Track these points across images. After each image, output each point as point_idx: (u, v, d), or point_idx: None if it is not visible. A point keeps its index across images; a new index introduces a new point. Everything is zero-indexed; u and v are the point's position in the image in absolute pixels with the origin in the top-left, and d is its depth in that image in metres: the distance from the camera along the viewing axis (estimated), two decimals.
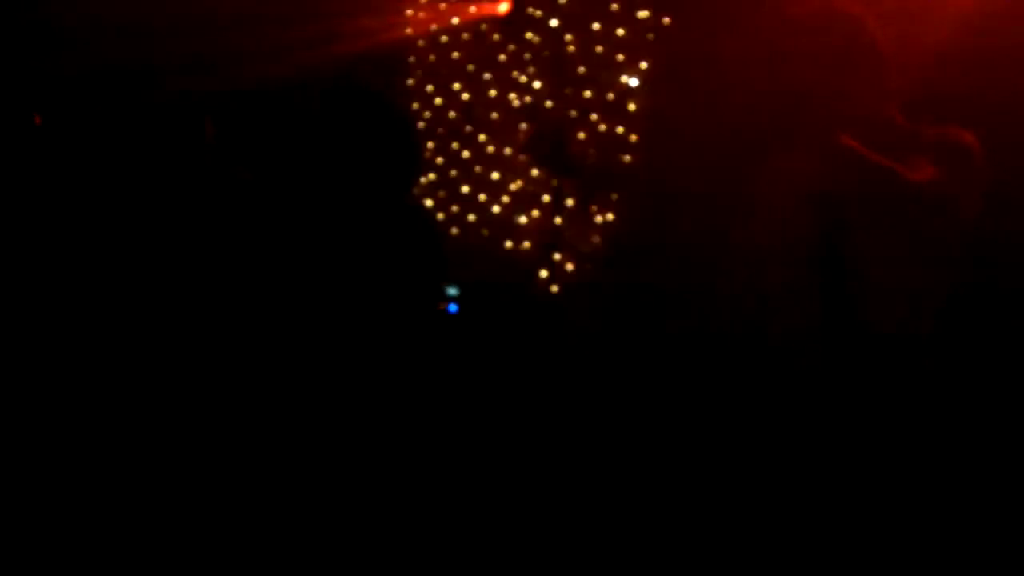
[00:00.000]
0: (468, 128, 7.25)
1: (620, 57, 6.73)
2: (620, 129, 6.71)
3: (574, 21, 6.86)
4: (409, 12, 7.34)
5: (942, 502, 4.14)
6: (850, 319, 3.59)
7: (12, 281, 5.24)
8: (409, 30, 7.39)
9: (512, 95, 7.11)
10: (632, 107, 6.67)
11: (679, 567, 3.82)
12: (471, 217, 7.23)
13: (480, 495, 4.39)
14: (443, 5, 7.26)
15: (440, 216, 7.29)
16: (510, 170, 7.14)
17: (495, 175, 7.18)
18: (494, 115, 7.19)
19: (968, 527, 4.02)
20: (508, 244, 7.08)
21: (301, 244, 3.90)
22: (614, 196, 6.60)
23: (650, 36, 6.65)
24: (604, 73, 6.76)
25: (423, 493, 3.88)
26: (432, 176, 7.34)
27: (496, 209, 7.16)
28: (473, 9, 7.19)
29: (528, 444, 4.77)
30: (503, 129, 7.18)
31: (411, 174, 3.83)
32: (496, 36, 7.15)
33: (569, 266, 6.61)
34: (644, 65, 6.67)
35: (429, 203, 7.30)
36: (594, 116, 6.76)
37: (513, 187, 7.12)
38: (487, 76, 7.19)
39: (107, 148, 5.86)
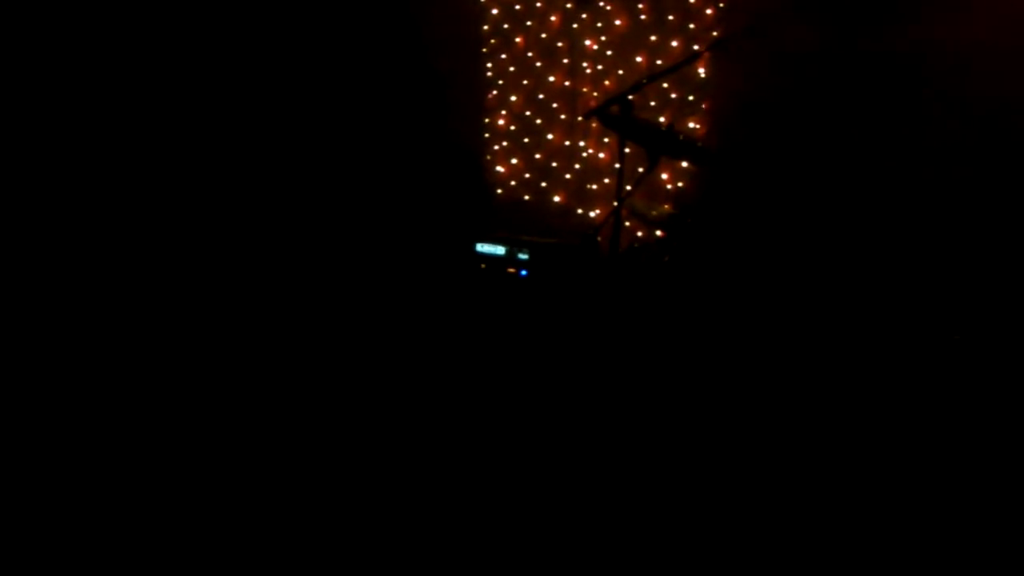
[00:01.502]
0: (541, 96, 7.34)
1: (692, 26, 6.78)
2: (691, 97, 6.77)
3: None
4: None
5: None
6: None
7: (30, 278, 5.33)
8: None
9: (584, 63, 7.18)
10: (703, 74, 6.72)
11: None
12: (543, 183, 7.34)
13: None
14: None
15: (512, 183, 7.41)
16: (581, 137, 7.23)
17: (567, 142, 7.28)
18: (567, 83, 7.28)
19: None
20: (579, 210, 7.18)
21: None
22: (684, 164, 6.67)
23: (721, 5, 6.69)
24: (676, 42, 6.81)
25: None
26: (505, 143, 7.45)
27: (568, 176, 7.26)
28: None
29: (583, 411, 4.82)
30: (575, 97, 7.26)
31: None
32: (570, 4, 7.22)
33: (639, 233, 6.70)
34: (715, 34, 6.72)
35: (501, 169, 7.42)
36: (665, 84, 6.82)
37: (585, 154, 7.21)
38: (560, 44, 7.27)
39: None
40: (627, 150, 5.11)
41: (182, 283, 5.18)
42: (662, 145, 4.99)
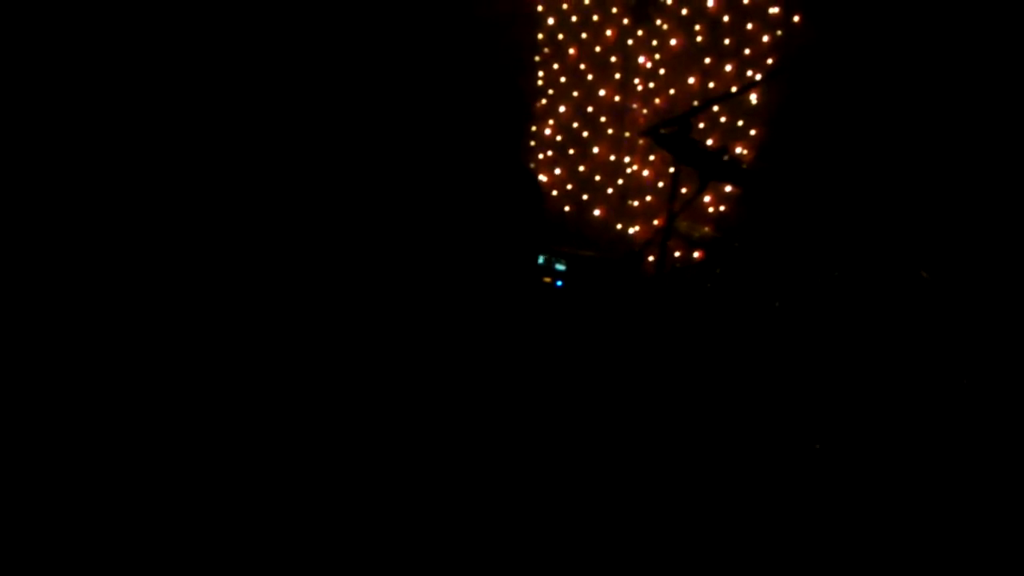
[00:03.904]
0: (589, 108, 7.35)
1: (747, 51, 6.79)
2: (740, 122, 6.78)
3: (704, 11, 6.92)
4: None
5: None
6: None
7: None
8: (540, 7, 7.50)
9: (636, 79, 7.20)
10: (754, 101, 6.73)
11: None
12: (585, 196, 7.36)
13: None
14: None
15: (555, 193, 7.43)
16: (627, 153, 7.25)
17: (612, 157, 7.29)
18: (616, 98, 7.29)
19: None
20: (619, 226, 7.20)
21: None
22: (728, 188, 6.69)
23: (779, 33, 6.69)
24: (730, 66, 6.82)
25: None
26: (550, 153, 7.48)
27: (610, 191, 7.27)
28: None
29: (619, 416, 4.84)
30: (623, 112, 7.27)
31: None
32: (626, 20, 7.23)
33: (677, 252, 6.72)
34: (770, 61, 6.72)
35: (544, 179, 7.44)
36: (716, 107, 6.83)
37: (629, 170, 7.22)
38: (613, 59, 7.29)
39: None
40: (671, 169, 5.14)
41: (222, 284, 5.19)
42: (714, 169, 5.00)
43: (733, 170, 5.06)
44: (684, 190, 6.88)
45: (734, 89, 6.37)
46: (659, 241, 4.90)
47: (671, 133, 4.85)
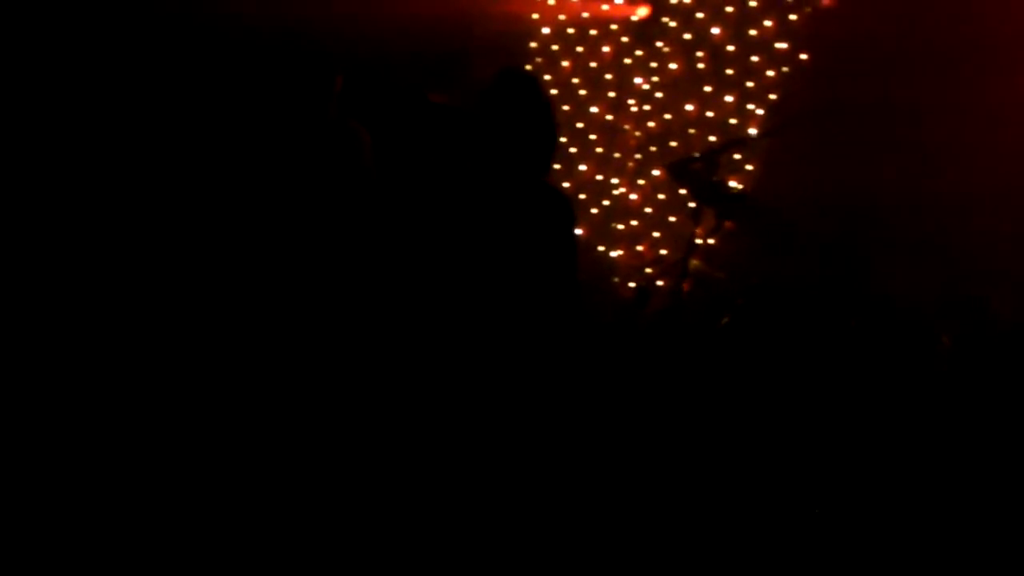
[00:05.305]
0: (579, 124, 7.16)
1: (750, 84, 6.66)
2: (737, 156, 6.65)
3: (709, 38, 6.78)
4: None
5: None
6: None
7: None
8: (535, 15, 7.30)
9: (631, 100, 7.03)
10: (754, 133, 6.60)
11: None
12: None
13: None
14: None
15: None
16: (615, 174, 7.08)
17: (599, 176, 7.12)
18: (608, 117, 7.12)
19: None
20: (600, 247, 7.03)
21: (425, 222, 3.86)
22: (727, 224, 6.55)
23: (784, 69, 6.58)
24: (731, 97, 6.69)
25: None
26: None
27: (594, 211, 7.10)
28: (606, 7, 7.11)
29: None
30: (615, 133, 7.10)
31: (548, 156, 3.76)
32: (625, 39, 7.07)
33: (659, 282, 6.57)
34: (773, 96, 6.61)
35: None
36: (712, 138, 6.69)
37: (616, 192, 7.06)
38: (608, 76, 7.11)
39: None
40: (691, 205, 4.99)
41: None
42: (733, 211, 4.86)
43: (752, 214, 4.92)
44: (672, 219, 6.81)
45: (753, 131, 6.25)
46: (674, 275, 4.72)
47: (697, 170, 4.70)
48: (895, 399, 4.54)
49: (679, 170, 4.83)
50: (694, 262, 5.49)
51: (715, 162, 4.72)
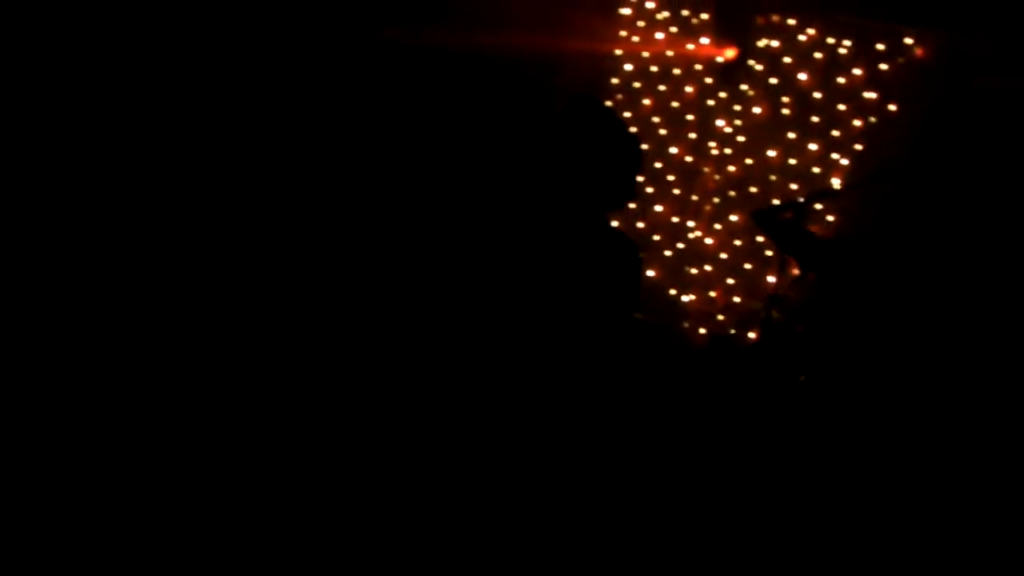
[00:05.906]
0: (657, 164, 7.04)
1: (836, 133, 6.51)
2: (819, 206, 6.49)
3: (795, 83, 6.64)
4: (623, 33, 7.13)
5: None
6: None
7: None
8: (618, 51, 7.20)
9: (712, 143, 6.90)
10: (836, 184, 6.44)
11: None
12: (640, 254, 7.03)
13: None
14: (661, 35, 7.04)
15: None
16: (692, 216, 6.94)
17: (675, 218, 6.98)
18: (688, 158, 6.99)
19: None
20: (672, 291, 6.89)
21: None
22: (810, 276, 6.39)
23: (872, 120, 6.42)
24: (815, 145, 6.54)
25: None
26: None
27: (668, 253, 6.96)
28: (692, 47, 6.99)
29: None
30: (694, 175, 6.97)
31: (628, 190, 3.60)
32: (709, 80, 6.94)
33: (732, 330, 6.42)
34: (859, 147, 6.45)
35: None
36: (794, 186, 6.55)
37: (691, 235, 6.92)
38: (690, 117, 6.99)
39: None
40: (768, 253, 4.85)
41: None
42: (821, 263, 4.70)
43: (843, 267, 4.77)
44: (749, 265, 6.66)
45: (837, 183, 6.11)
46: (750, 325, 4.58)
47: (787, 219, 4.56)
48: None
49: (765, 218, 4.68)
50: (774, 313, 5.34)
51: (805, 211, 4.57)
